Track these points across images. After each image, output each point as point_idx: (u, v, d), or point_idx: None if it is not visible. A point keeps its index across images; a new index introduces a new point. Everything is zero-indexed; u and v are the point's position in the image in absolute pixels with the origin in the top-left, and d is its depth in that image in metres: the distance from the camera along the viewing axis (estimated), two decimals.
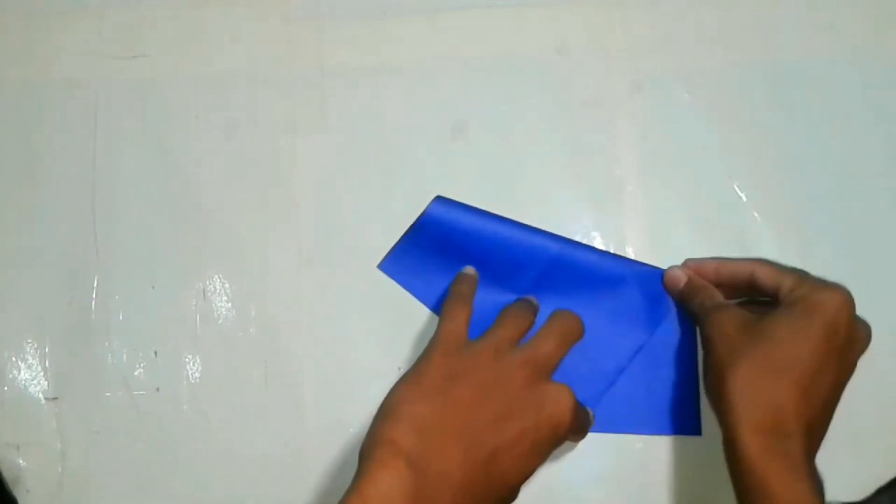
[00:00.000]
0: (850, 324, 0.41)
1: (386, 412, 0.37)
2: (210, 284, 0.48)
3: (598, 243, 0.48)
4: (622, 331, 0.46)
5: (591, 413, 0.43)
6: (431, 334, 0.42)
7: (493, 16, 0.50)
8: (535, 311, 0.44)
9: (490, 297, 0.46)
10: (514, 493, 0.38)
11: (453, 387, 0.38)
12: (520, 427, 0.37)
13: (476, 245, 0.46)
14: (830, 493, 0.45)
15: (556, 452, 0.45)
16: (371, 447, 0.36)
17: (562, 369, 0.45)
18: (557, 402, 0.39)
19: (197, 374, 0.47)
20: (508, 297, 0.46)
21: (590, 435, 0.44)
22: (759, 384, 0.39)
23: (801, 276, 0.43)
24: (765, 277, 0.43)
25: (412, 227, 0.47)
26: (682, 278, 0.46)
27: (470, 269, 0.46)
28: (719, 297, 0.44)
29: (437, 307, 0.47)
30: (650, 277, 0.46)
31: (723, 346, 0.41)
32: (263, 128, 0.49)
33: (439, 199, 0.47)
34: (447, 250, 0.46)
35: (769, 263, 0.44)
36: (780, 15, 0.50)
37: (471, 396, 0.38)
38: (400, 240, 0.47)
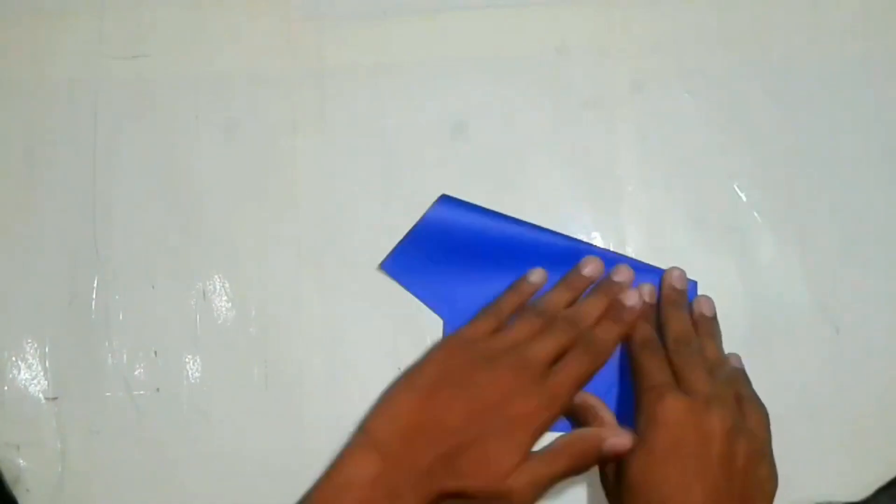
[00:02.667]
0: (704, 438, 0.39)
1: (375, 405, 0.41)
2: (210, 284, 0.48)
3: (598, 243, 0.48)
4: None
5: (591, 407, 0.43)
6: (432, 335, 0.42)
7: (493, 16, 0.50)
8: (547, 312, 0.44)
9: (493, 297, 0.46)
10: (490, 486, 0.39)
11: (441, 387, 0.40)
12: (483, 427, 0.39)
13: (481, 245, 0.46)
14: (831, 493, 0.46)
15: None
16: (352, 437, 0.40)
17: None
18: (525, 403, 0.40)
19: (197, 374, 0.47)
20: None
21: None
22: None
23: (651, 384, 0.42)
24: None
25: (416, 225, 0.47)
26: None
27: (536, 276, 0.46)
28: (606, 415, 0.43)
29: (438, 307, 0.47)
30: (654, 277, 0.46)
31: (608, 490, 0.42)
32: (263, 128, 0.49)
33: (444, 198, 0.47)
34: (451, 250, 0.46)
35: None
36: (780, 15, 0.50)
37: (451, 396, 0.40)
38: (403, 239, 0.47)
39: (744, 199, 0.48)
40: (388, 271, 0.47)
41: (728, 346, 0.46)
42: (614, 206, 0.48)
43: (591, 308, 0.44)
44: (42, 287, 0.48)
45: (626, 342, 0.45)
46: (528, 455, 0.39)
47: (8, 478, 0.46)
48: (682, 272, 0.46)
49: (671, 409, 0.40)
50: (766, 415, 0.43)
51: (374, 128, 0.49)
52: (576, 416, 0.44)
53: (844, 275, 0.48)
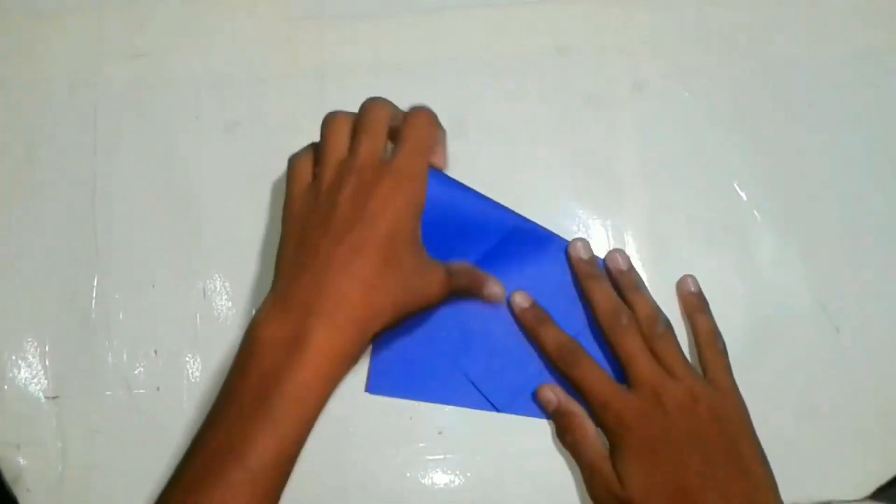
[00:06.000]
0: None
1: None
2: (210, 284, 0.48)
3: (598, 242, 0.48)
4: (571, 303, 0.46)
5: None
6: None
7: (493, 16, 0.50)
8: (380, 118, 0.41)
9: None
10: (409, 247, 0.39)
11: (308, 236, 0.39)
12: (385, 255, 0.38)
13: (433, 213, 0.45)
14: (831, 492, 0.46)
15: (552, 452, 0.45)
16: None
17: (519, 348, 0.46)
18: (384, 201, 0.39)
19: (197, 374, 0.47)
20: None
21: None
22: None
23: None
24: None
25: None
26: (552, 401, 0.45)
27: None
28: (588, 427, 0.44)
29: None
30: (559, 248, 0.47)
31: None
32: (263, 127, 0.49)
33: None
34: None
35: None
36: (780, 15, 0.50)
37: (319, 235, 0.38)
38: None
39: (744, 198, 0.48)
40: None
41: (728, 346, 0.46)
42: (614, 205, 0.48)
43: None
44: (42, 287, 0.48)
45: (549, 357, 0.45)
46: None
47: (8, 477, 0.46)
48: (585, 241, 0.47)
49: (627, 417, 0.42)
50: (720, 338, 0.45)
51: None
52: (559, 421, 0.45)
53: (844, 275, 0.48)
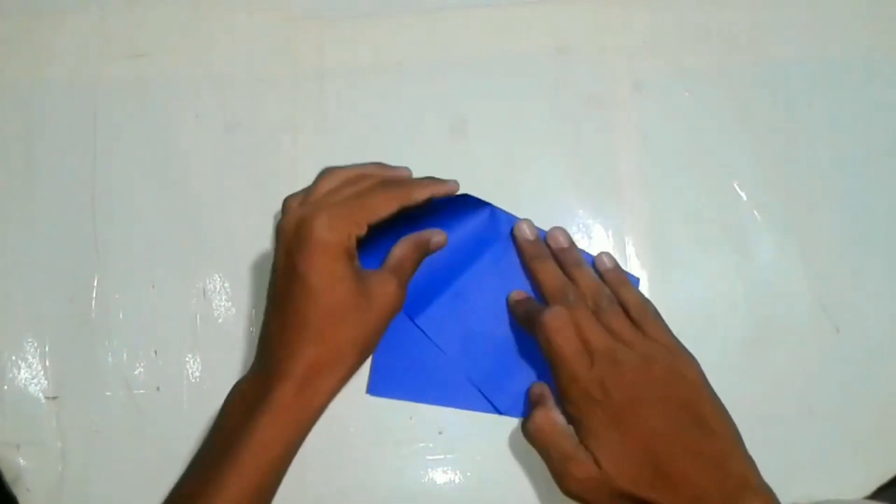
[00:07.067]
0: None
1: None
2: (210, 283, 0.48)
3: (598, 242, 0.48)
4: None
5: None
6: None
7: (493, 15, 0.50)
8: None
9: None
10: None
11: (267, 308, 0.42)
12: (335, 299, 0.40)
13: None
14: (831, 492, 0.46)
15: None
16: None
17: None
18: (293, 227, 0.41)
19: (197, 374, 0.47)
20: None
21: None
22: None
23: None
24: None
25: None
26: (535, 393, 0.45)
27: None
28: (558, 419, 0.43)
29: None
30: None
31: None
32: (263, 127, 0.49)
33: None
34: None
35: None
36: (780, 15, 0.50)
37: (272, 307, 0.42)
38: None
39: (744, 198, 0.48)
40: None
41: (728, 346, 0.47)
42: (614, 205, 0.48)
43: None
44: (42, 287, 0.48)
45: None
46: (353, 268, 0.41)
47: (8, 477, 0.46)
48: (530, 222, 0.47)
49: (592, 390, 0.41)
50: (649, 304, 0.45)
51: (374, 128, 0.49)
52: (532, 410, 0.44)
53: (844, 275, 0.48)
